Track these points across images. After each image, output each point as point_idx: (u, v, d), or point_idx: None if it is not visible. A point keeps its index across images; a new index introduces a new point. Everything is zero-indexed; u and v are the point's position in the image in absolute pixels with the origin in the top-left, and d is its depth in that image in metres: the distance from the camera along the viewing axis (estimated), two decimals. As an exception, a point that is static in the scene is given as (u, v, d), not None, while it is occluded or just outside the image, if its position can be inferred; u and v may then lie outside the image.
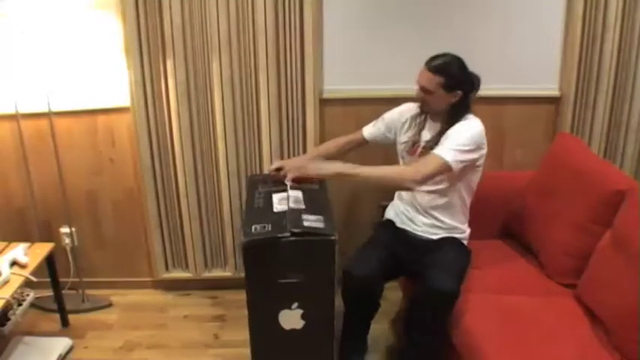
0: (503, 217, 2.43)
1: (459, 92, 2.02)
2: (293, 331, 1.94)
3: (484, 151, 2.04)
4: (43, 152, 2.55)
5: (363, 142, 2.35)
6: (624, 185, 1.94)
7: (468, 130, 2.00)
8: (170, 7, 2.32)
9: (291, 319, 1.93)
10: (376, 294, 2.10)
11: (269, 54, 2.40)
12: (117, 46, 2.41)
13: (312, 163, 2.20)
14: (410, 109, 2.22)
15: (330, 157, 2.31)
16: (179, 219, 2.67)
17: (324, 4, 2.43)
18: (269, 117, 2.49)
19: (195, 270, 2.75)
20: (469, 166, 2.03)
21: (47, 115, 2.41)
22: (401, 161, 2.24)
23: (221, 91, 2.45)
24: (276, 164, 2.25)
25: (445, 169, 1.96)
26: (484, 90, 2.53)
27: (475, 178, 2.12)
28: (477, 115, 2.07)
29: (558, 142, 2.37)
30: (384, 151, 2.34)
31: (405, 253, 2.10)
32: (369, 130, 2.33)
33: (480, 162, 2.07)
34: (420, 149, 2.13)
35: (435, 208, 2.13)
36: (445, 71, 1.99)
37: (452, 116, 2.05)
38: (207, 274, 2.78)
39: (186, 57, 2.40)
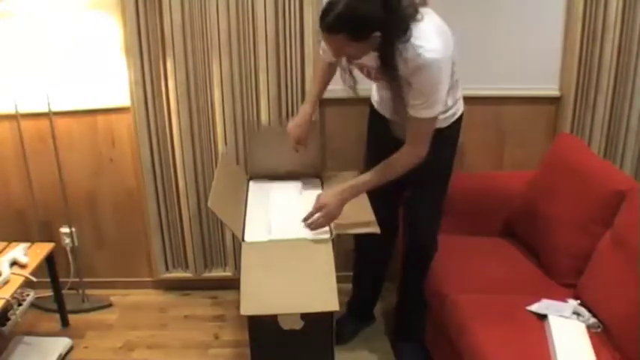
0: (504, 217, 2.43)
1: (376, 34, 1.64)
2: (292, 331, 1.93)
3: (452, 53, 1.80)
4: (43, 152, 2.55)
5: (333, 66, 2.13)
6: (624, 185, 1.94)
7: (430, 77, 1.72)
8: (170, 7, 2.32)
9: (290, 319, 1.93)
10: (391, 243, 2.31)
11: (269, 54, 2.40)
12: (117, 46, 2.41)
13: (335, 199, 1.87)
14: None
15: (322, 93, 2.22)
16: (179, 219, 2.67)
17: (324, 4, 2.43)
18: (269, 117, 2.49)
19: (195, 270, 2.75)
20: None
21: (47, 115, 2.41)
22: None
23: (221, 91, 2.45)
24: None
25: (434, 122, 1.82)
26: (484, 90, 2.55)
27: None
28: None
29: (558, 142, 2.37)
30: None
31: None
32: (323, 55, 2.12)
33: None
34: (374, 73, 1.92)
35: None
36: (342, 24, 1.62)
37: (387, 57, 1.72)
38: (207, 274, 2.78)
39: (187, 57, 2.40)
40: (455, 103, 2.04)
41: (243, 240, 1.86)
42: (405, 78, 1.77)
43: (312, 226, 1.88)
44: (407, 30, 1.69)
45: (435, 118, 1.83)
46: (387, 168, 1.90)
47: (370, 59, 1.80)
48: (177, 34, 2.36)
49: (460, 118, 2.10)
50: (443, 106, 1.83)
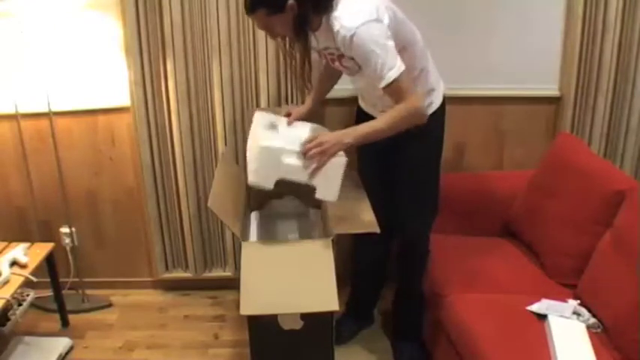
0: (504, 217, 2.43)
1: (291, 2, 1.72)
2: (292, 331, 1.94)
3: (386, 22, 1.74)
4: (43, 152, 2.55)
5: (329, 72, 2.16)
6: (624, 185, 1.94)
7: (358, 46, 1.72)
8: (170, 7, 2.32)
9: (290, 319, 1.93)
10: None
11: (269, 54, 2.40)
12: (117, 46, 2.41)
13: (334, 135, 1.81)
14: None
15: (326, 93, 2.25)
16: (179, 219, 2.67)
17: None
18: (269, 117, 2.49)
19: (195, 270, 2.75)
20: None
21: (47, 115, 2.41)
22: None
23: (221, 91, 2.45)
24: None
25: (403, 78, 1.74)
26: (484, 90, 2.56)
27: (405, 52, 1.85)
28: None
29: (559, 141, 2.37)
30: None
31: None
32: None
33: (400, 35, 1.81)
34: (329, 56, 1.95)
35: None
36: (258, 3, 1.75)
37: (300, 26, 1.78)
38: (207, 274, 2.78)
39: (186, 57, 2.40)
40: (426, 94, 1.98)
41: (244, 235, 1.86)
42: (347, 55, 1.80)
43: (308, 156, 1.77)
44: (328, 2, 1.76)
45: (399, 76, 1.74)
46: (391, 115, 1.81)
47: (314, 41, 1.86)
48: (177, 34, 2.36)
49: (438, 112, 2.04)
50: (398, 69, 1.73)
